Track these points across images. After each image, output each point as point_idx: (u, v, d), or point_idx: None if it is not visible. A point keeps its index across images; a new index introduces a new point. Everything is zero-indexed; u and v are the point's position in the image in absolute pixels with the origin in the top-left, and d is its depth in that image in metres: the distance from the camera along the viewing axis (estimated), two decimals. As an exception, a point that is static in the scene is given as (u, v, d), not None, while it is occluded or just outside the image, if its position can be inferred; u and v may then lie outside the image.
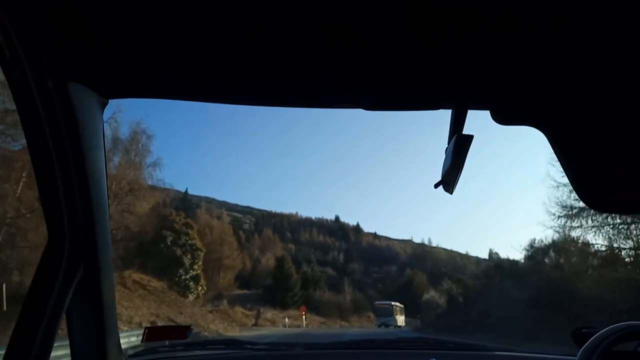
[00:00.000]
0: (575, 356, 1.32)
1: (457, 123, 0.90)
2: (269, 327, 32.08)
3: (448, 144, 0.90)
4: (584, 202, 0.90)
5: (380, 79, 0.92)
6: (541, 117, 0.90)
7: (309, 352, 1.90)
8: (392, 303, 39.42)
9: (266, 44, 0.83)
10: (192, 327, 1.70)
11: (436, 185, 0.91)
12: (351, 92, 0.97)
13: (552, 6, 0.73)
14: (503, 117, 0.92)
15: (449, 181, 0.89)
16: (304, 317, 36.09)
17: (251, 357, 1.82)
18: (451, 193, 0.90)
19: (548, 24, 0.77)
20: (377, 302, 41.40)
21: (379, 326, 36.51)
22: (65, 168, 0.93)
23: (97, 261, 1.07)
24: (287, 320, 35.90)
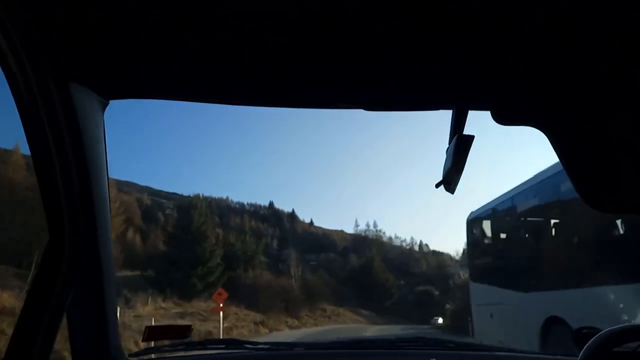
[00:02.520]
0: (576, 357, 1.32)
1: (458, 123, 0.90)
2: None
3: (449, 144, 0.90)
4: (584, 202, 0.90)
5: (380, 79, 0.91)
6: (542, 117, 0.90)
7: (310, 352, 1.90)
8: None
9: (266, 44, 0.83)
10: (192, 326, 1.70)
11: (437, 185, 0.91)
12: (351, 92, 0.97)
13: (553, 6, 0.73)
14: (504, 117, 0.92)
15: (450, 181, 0.89)
16: (220, 312, 17.14)
17: (251, 357, 1.82)
18: (452, 193, 0.90)
19: (549, 23, 0.77)
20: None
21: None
22: (66, 168, 0.93)
23: (98, 261, 1.07)
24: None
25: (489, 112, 0.93)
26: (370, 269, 43.81)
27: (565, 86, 0.88)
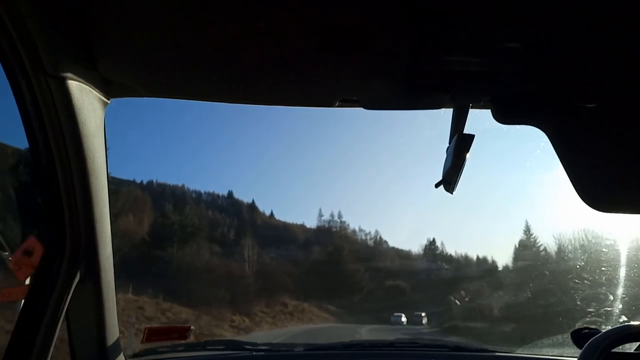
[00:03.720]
0: (576, 357, 1.32)
1: (459, 122, 0.90)
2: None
3: (449, 143, 0.90)
4: (584, 202, 0.90)
5: (380, 79, 0.92)
6: (542, 116, 0.90)
7: (309, 352, 1.90)
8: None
9: (265, 44, 0.83)
10: (192, 327, 1.70)
11: (437, 185, 0.91)
12: (351, 92, 0.97)
13: (553, 6, 0.73)
14: (504, 116, 0.92)
15: (449, 180, 0.89)
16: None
17: (251, 358, 1.82)
18: (452, 192, 0.90)
19: (549, 23, 0.77)
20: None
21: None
22: (66, 168, 0.93)
23: (98, 261, 1.07)
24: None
25: (489, 111, 0.93)
26: (337, 259, 37.86)
27: (564, 85, 0.88)
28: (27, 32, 0.75)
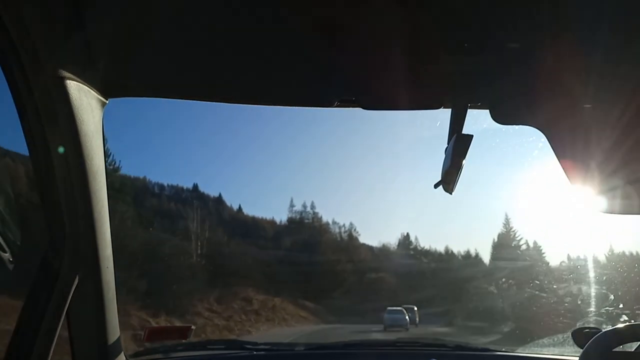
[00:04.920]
0: (577, 356, 1.32)
1: (457, 122, 0.90)
2: None
3: (447, 143, 0.90)
4: (583, 202, 0.90)
5: (379, 79, 0.92)
6: (540, 116, 0.90)
7: (310, 352, 1.91)
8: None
9: (265, 44, 0.83)
10: (192, 327, 1.70)
11: (436, 185, 0.91)
12: (351, 92, 0.97)
13: (552, 7, 0.73)
14: (502, 116, 0.92)
15: (448, 181, 0.89)
16: None
17: (251, 357, 1.82)
18: (451, 193, 0.90)
19: (547, 24, 0.77)
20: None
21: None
22: (65, 168, 0.93)
23: (98, 261, 1.07)
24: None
25: (487, 111, 0.93)
26: (315, 248, 33.81)
27: (563, 86, 0.88)
28: (26, 32, 0.75)
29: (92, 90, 0.93)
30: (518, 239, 26.16)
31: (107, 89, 0.97)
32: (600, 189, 0.91)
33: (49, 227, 0.97)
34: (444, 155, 0.89)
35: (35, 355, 0.91)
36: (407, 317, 18.88)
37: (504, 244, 25.73)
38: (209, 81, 0.95)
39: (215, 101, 1.01)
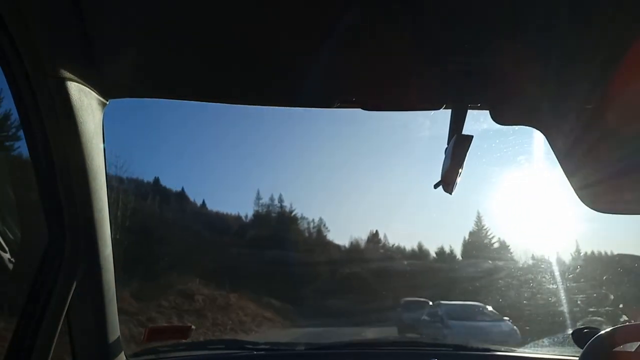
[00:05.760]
0: (577, 356, 1.32)
1: (457, 123, 0.90)
2: None
3: (447, 144, 0.90)
4: (583, 202, 0.90)
5: (380, 80, 0.92)
6: (541, 117, 0.90)
7: (310, 352, 1.91)
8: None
9: (265, 44, 0.83)
10: (193, 327, 1.70)
11: (436, 186, 0.91)
12: (351, 93, 0.97)
13: (552, 7, 0.73)
14: (502, 117, 0.92)
15: (448, 181, 0.89)
16: None
17: (251, 357, 1.82)
18: (450, 193, 0.90)
19: (548, 25, 0.77)
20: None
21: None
22: (65, 168, 0.93)
23: (98, 261, 1.07)
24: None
25: (487, 112, 0.93)
26: (283, 238, 29.11)
27: (563, 87, 0.88)
28: (27, 32, 0.76)
29: (91, 91, 0.93)
30: (490, 237, 25.97)
31: (107, 90, 0.97)
32: (600, 188, 0.91)
33: (49, 227, 0.97)
34: (441, 156, 0.89)
35: (35, 355, 0.91)
36: (440, 314, 11.57)
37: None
38: (209, 82, 0.95)
39: (216, 102, 1.01)
